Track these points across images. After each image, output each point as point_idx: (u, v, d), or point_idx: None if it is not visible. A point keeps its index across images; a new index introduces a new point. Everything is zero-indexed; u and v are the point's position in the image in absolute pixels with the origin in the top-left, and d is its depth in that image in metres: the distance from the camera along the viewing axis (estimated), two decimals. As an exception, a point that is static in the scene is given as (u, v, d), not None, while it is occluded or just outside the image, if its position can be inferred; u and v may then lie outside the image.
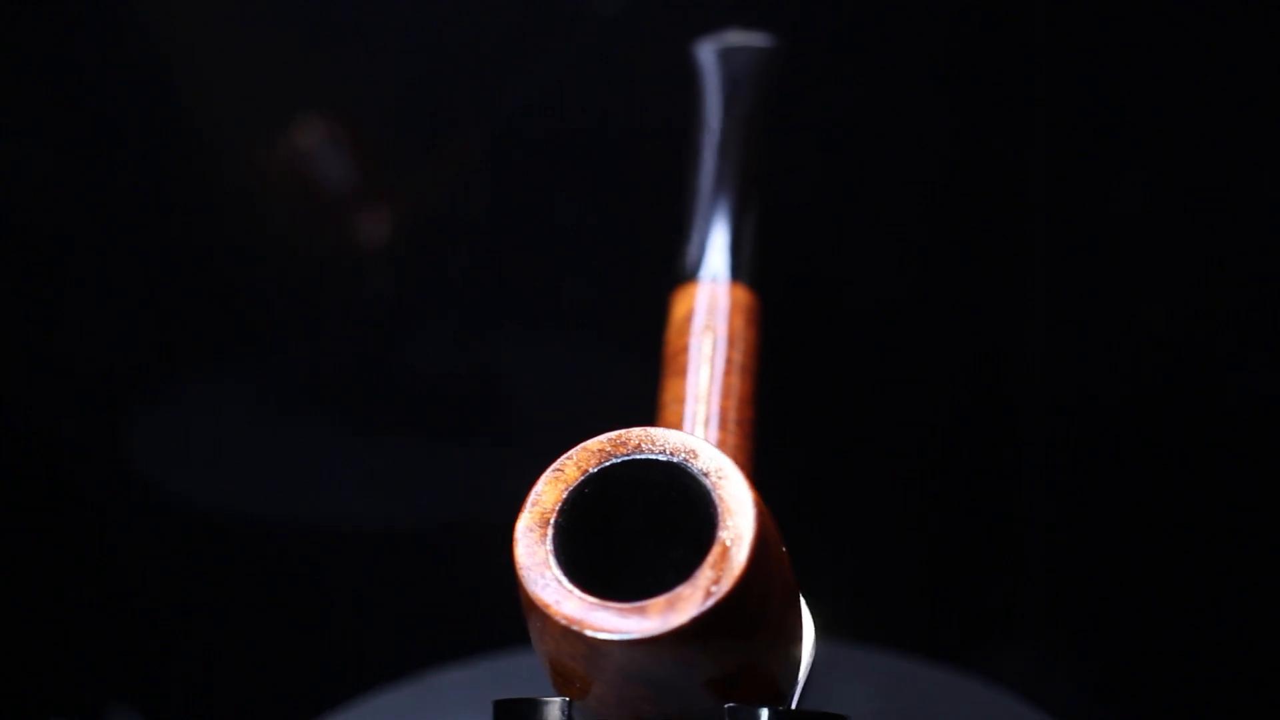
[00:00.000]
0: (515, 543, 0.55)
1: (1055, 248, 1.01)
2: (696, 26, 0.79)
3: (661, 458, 0.56)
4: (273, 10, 1.02)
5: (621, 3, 1.00)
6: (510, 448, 1.07)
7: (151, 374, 1.07)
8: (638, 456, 0.56)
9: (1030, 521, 1.06)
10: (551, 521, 0.55)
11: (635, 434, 0.56)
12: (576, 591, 0.53)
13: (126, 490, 1.07)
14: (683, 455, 0.55)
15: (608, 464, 0.56)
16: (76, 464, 1.07)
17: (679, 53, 0.79)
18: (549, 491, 0.55)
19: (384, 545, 1.08)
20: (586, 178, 1.03)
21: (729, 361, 0.66)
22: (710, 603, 0.52)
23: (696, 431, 0.64)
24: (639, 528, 0.57)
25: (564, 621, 0.52)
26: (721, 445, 0.63)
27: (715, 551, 0.53)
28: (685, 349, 0.67)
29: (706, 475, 0.55)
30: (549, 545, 0.54)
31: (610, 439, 0.56)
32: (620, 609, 0.52)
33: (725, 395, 0.65)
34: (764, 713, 0.54)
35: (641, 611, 0.52)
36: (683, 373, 0.66)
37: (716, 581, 0.52)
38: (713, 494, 0.54)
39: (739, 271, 0.70)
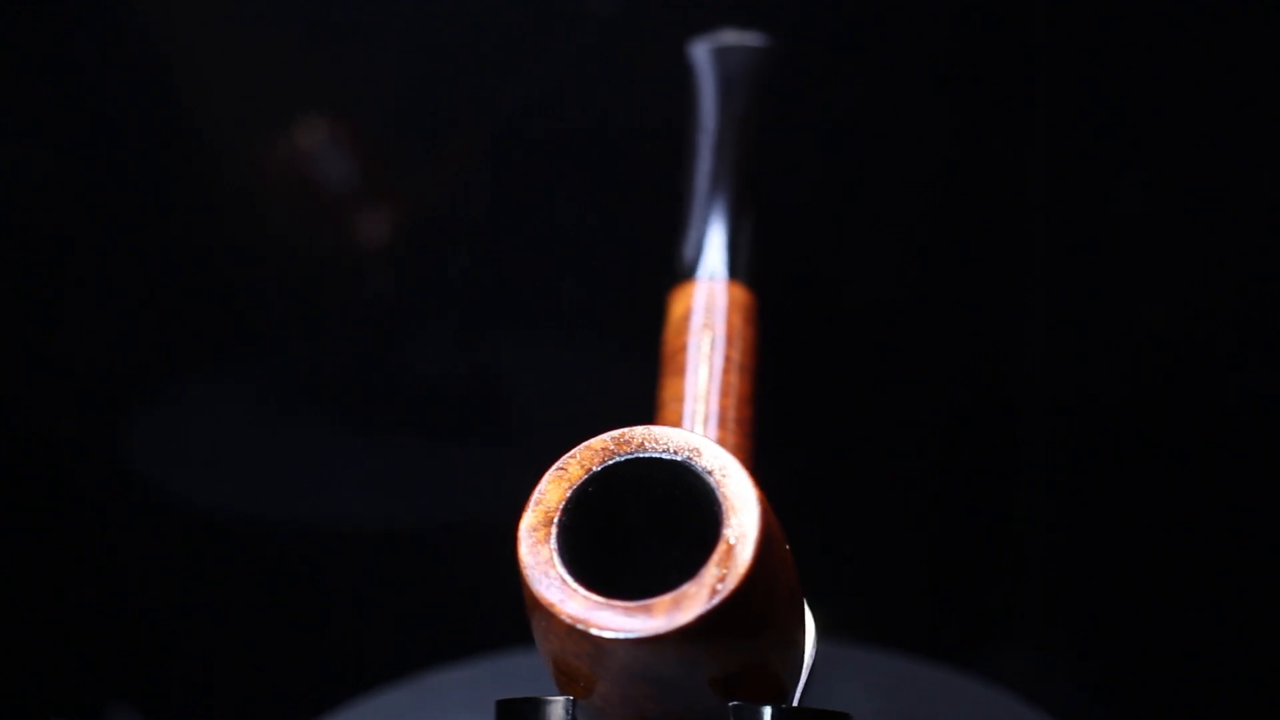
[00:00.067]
0: (519, 542, 0.55)
1: (1055, 248, 1.01)
2: (696, 26, 0.79)
3: (665, 456, 0.56)
4: (273, 10, 1.02)
5: (619, 2, 1.00)
6: (510, 448, 1.07)
7: (151, 374, 1.07)
8: (641, 455, 0.56)
9: (1030, 521, 1.06)
10: (555, 520, 0.55)
11: (638, 432, 0.56)
12: (581, 590, 0.53)
13: (126, 490, 1.07)
14: (686, 453, 0.55)
15: (611, 462, 0.56)
16: (76, 464, 1.07)
17: (678, 53, 0.79)
18: (552, 490, 0.55)
19: (384, 545, 1.08)
20: (586, 178, 1.03)
21: (728, 360, 0.66)
22: (716, 601, 0.52)
23: (695, 430, 0.64)
24: (642, 526, 0.57)
25: (569, 620, 0.52)
26: (721, 444, 0.63)
27: (720, 549, 0.53)
28: (684, 348, 0.67)
29: (710, 473, 0.55)
30: (553, 544, 0.54)
31: (613, 437, 0.56)
32: (625, 608, 0.52)
33: (724, 394, 0.65)
34: (767, 711, 0.54)
35: (647, 610, 0.52)
36: (681, 371, 0.66)
37: (722, 580, 0.52)
38: (717, 492, 0.54)
39: (736, 270, 0.70)
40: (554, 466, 0.56)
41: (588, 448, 0.56)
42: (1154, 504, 1.02)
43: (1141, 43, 0.97)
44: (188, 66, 1.02)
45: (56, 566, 1.08)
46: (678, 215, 0.74)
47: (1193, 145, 0.98)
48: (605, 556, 0.55)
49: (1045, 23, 0.98)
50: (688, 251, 0.71)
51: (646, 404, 0.68)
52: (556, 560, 0.54)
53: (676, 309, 0.69)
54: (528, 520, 0.55)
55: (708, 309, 0.68)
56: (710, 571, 0.52)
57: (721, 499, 0.54)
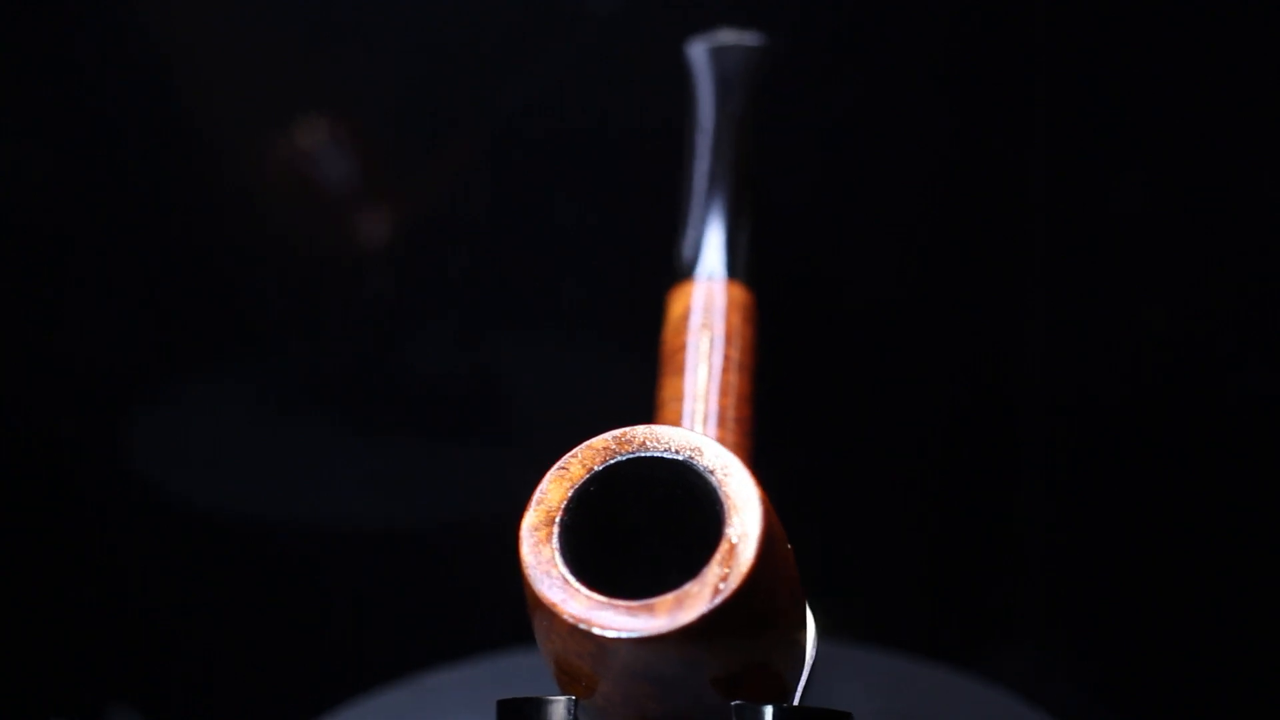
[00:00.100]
0: (521, 541, 0.54)
1: (1055, 248, 1.01)
2: (696, 26, 0.79)
3: (667, 455, 0.56)
4: (273, 10, 1.02)
5: (618, 2, 1.00)
6: (510, 448, 1.07)
7: (151, 374, 1.07)
8: (643, 454, 0.56)
9: (1030, 521, 1.06)
10: (557, 520, 0.55)
11: (640, 432, 0.56)
12: (583, 590, 0.53)
13: (126, 490, 1.07)
14: (688, 452, 0.55)
15: (613, 462, 0.56)
16: (76, 464, 1.07)
17: (678, 53, 0.79)
18: (554, 490, 0.55)
19: (384, 545, 1.08)
20: (586, 178, 1.03)
21: (727, 359, 0.66)
22: (719, 600, 0.52)
23: (695, 429, 0.64)
24: (644, 525, 0.57)
25: (571, 620, 0.52)
26: (720, 443, 0.63)
27: (723, 549, 0.53)
28: (683, 347, 0.67)
29: (712, 472, 0.55)
30: (555, 544, 0.54)
31: (615, 437, 0.56)
32: (628, 607, 0.52)
33: (724, 393, 0.65)
34: (769, 710, 0.54)
35: (649, 609, 0.52)
36: (681, 371, 0.66)
37: (724, 579, 0.52)
38: (719, 491, 0.54)
39: (735, 269, 0.70)
40: (555, 466, 0.56)
41: (589, 447, 0.56)
42: (1154, 504, 1.02)
43: (1141, 43, 0.97)
44: (188, 66, 1.02)
45: (56, 566, 1.08)
46: (677, 215, 0.74)
47: (1193, 145, 0.98)
48: (607, 556, 0.55)
49: (1045, 23, 0.98)
50: (686, 251, 0.71)
51: (646, 404, 0.68)
52: (559, 560, 0.54)
53: (675, 309, 0.69)
54: (529, 520, 0.55)
55: (706, 309, 0.68)
56: (713, 571, 0.52)
57: (723, 498, 0.54)
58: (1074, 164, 1.00)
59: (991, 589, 1.08)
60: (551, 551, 0.54)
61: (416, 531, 1.08)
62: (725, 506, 0.54)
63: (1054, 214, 1.00)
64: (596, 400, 1.01)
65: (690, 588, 0.52)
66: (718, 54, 0.77)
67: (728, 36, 0.78)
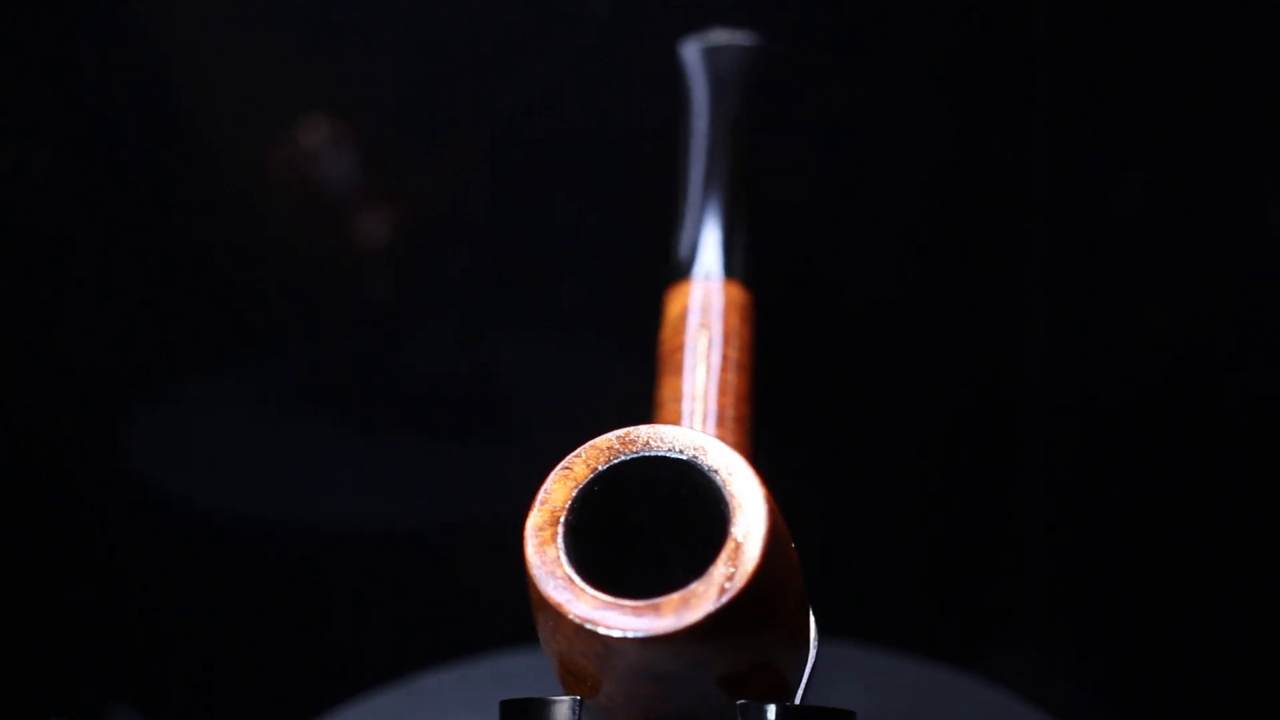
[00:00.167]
0: (525, 542, 0.54)
1: (1055, 248, 1.01)
2: (696, 26, 0.79)
3: (671, 454, 0.56)
4: (273, 10, 1.02)
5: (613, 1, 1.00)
6: (510, 448, 1.07)
7: (151, 374, 1.07)
8: (647, 454, 0.56)
9: (1030, 521, 1.06)
10: (561, 520, 0.55)
11: (643, 431, 0.56)
12: (589, 590, 0.53)
13: (126, 490, 1.07)
14: (692, 452, 0.55)
15: (617, 461, 0.56)
16: (76, 464, 1.07)
17: (678, 53, 0.79)
18: (558, 489, 0.55)
19: (384, 545, 1.08)
20: (586, 178, 1.03)
21: (725, 359, 0.66)
22: (725, 599, 0.52)
23: (695, 429, 0.64)
24: (649, 525, 0.57)
25: (577, 620, 0.52)
26: (719, 442, 0.63)
27: (728, 548, 0.53)
28: (681, 347, 0.67)
29: (717, 471, 0.55)
30: (559, 544, 0.54)
31: (618, 436, 0.56)
32: (634, 607, 0.52)
33: (722, 392, 0.65)
34: (771, 709, 0.54)
35: (655, 609, 0.52)
36: (679, 371, 0.66)
37: (730, 578, 0.52)
38: (724, 490, 0.54)
39: (732, 269, 0.70)
40: (559, 466, 0.56)
41: (593, 447, 0.56)
42: (1154, 504, 1.02)
43: (1141, 43, 0.97)
44: (188, 66, 1.02)
45: (56, 566, 1.08)
46: (672, 215, 0.74)
47: (1193, 145, 0.98)
48: (611, 555, 0.55)
49: (1045, 23, 0.98)
50: (683, 251, 0.71)
51: (646, 404, 0.68)
52: (564, 560, 0.54)
53: (673, 309, 0.69)
54: (534, 520, 0.55)
55: (704, 308, 0.68)
56: (718, 570, 0.52)
57: (728, 497, 0.54)
58: (1074, 164, 1.00)
59: (991, 589, 1.08)
60: (556, 551, 0.54)
61: (416, 531, 1.08)
62: (730, 505, 0.54)
63: (1054, 214, 1.01)
64: (596, 400, 1.00)
65: (696, 587, 0.52)
66: (711, 54, 0.77)
67: (721, 36, 0.78)
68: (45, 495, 1.08)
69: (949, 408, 1.06)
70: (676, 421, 0.64)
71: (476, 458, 1.08)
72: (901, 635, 0.97)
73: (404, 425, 1.08)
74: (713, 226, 0.71)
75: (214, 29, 1.02)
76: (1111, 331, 1.02)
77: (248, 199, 1.04)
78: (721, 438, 0.63)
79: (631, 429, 0.56)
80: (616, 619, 0.52)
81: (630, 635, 0.51)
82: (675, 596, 0.52)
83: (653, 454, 0.56)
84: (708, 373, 0.66)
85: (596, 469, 0.56)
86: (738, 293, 0.69)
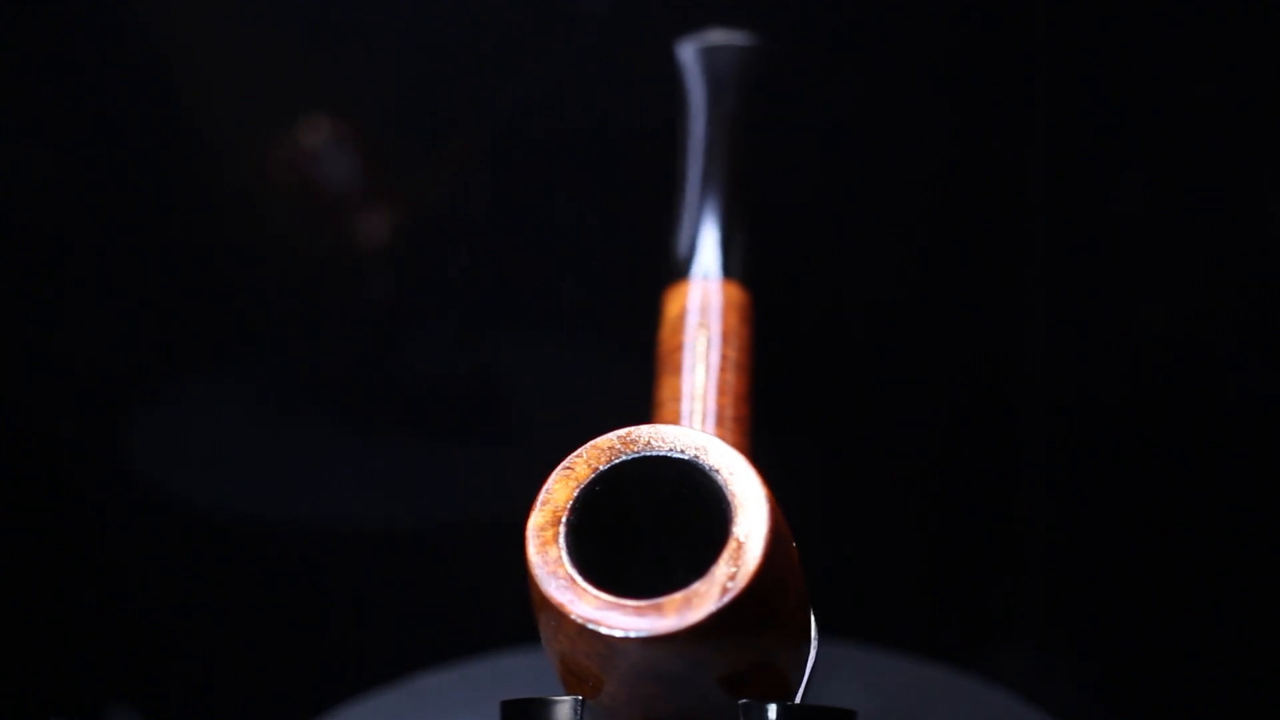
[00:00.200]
0: (527, 542, 0.54)
1: (1055, 248, 1.01)
2: (696, 26, 0.79)
3: (673, 454, 0.56)
4: (273, 10, 1.02)
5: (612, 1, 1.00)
6: (510, 448, 1.07)
7: (151, 374, 1.07)
8: (649, 454, 0.56)
9: (1030, 521, 1.06)
10: (563, 520, 0.55)
11: (644, 431, 0.56)
12: (591, 590, 0.53)
13: (126, 490, 1.07)
14: (694, 452, 0.56)
15: (618, 461, 0.56)
16: (76, 464, 1.07)
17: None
18: (560, 490, 0.55)
19: (384, 545, 1.08)
20: (586, 178, 1.03)
21: (724, 359, 0.66)
22: (727, 599, 0.52)
23: (694, 429, 0.64)
24: (650, 525, 0.57)
25: (580, 620, 0.52)
26: (720, 442, 0.63)
27: (730, 547, 0.53)
28: (680, 347, 0.67)
29: (718, 471, 0.55)
30: (561, 544, 0.54)
31: (619, 436, 0.56)
32: (636, 607, 0.52)
33: (721, 392, 0.65)
34: (773, 708, 0.54)
35: (658, 609, 0.52)
36: (678, 371, 0.66)
37: (732, 577, 0.52)
38: (725, 490, 0.54)
39: (730, 269, 0.70)
40: (561, 466, 0.56)
41: (594, 447, 0.56)
42: (1154, 504, 1.02)
43: (1141, 43, 0.97)
44: (188, 66, 1.02)
45: (56, 566, 1.08)
46: (671, 215, 0.74)
47: (1193, 145, 0.98)
48: (613, 555, 0.55)
49: (1045, 23, 0.98)
50: (681, 251, 0.71)
51: (646, 403, 0.68)
52: (566, 560, 0.54)
53: (671, 309, 0.69)
54: (535, 520, 0.55)
55: (703, 308, 0.68)
56: (721, 569, 0.52)
57: (730, 497, 0.54)
58: (1074, 164, 1.00)
59: (991, 589, 1.08)
60: (558, 552, 0.54)
61: (416, 531, 1.08)
62: (732, 505, 0.54)
63: (1054, 214, 1.00)
64: (596, 400, 1.00)
65: (698, 587, 0.52)
66: (708, 54, 0.77)
67: (717, 36, 0.78)
68: (45, 495, 1.08)
69: (949, 408, 1.06)
70: (675, 421, 0.64)
71: (476, 458, 1.08)
72: (901, 635, 0.97)
73: (404, 425, 1.08)
74: (711, 227, 0.71)
75: (214, 29, 1.02)
76: (1111, 331, 1.02)
77: (248, 199, 1.04)
78: (720, 437, 0.63)
79: (632, 429, 0.56)
80: (619, 619, 0.52)
81: (633, 635, 0.51)
82: (678, 596, 0.52)
83: (654, 454, 0.56)
84: (706, 372, 0.66)
85: (598, 469, 0.56)
86: (736, 292, 0.69)
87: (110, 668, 1.10)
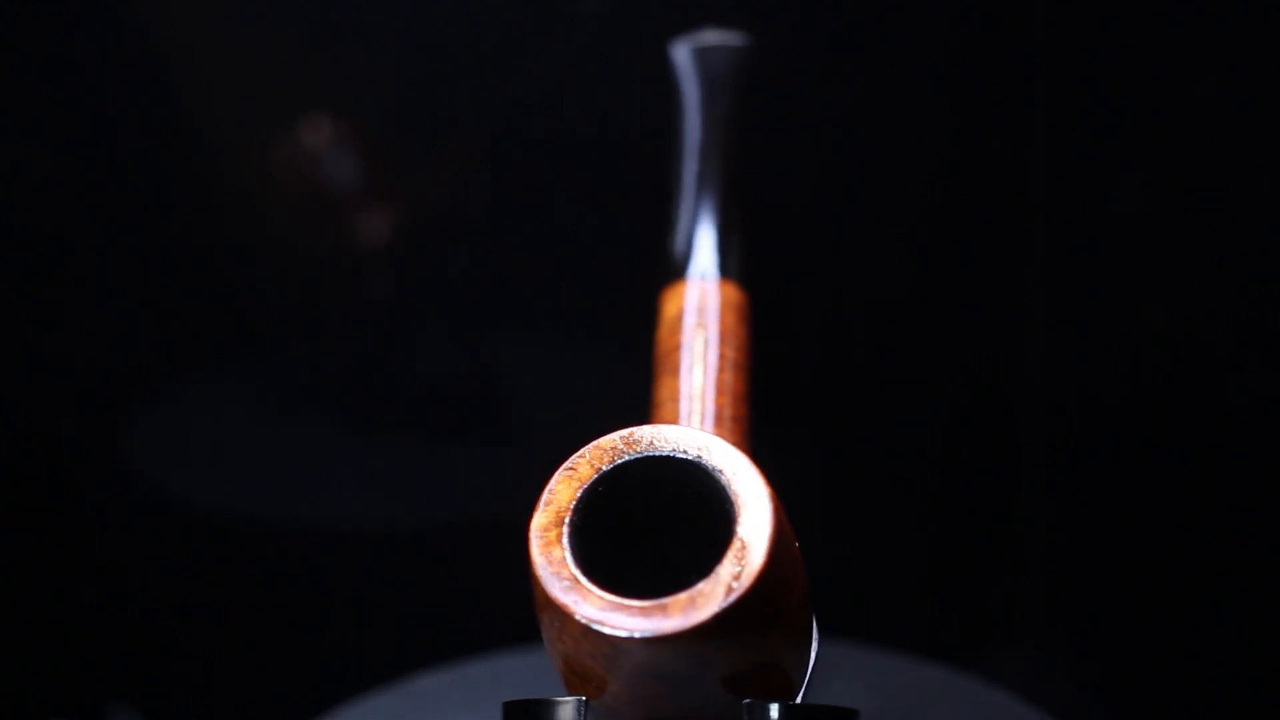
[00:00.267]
0: (531, 542, 0.54)
1: (1055, 248, 1.01)
2: (696, 27, 0.79)
3: (676, 454, 0.56)
4: (273, 10, 1.02)
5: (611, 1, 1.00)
6: (510, 448, 1.07)
7: (151, 374, 1.07)
8: (652, 454, 0.56)
9: (1030, 521, 1.06)
10: (566, 520, 0.55)
11: (647, 432, 0.56)
12: (595, 590, 0.53)
13: (126, 490, 1.07)
14: (696, 452, 0.56)
15: (621, 461, 0.56)
16: (76, 464, 1.07)
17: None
18: (563, 490, 0.55)
19: (384, 545, 1.08)
20: (585, 178, 1.03)
21: (722, 359, 0.66)
22: (732, 599, 0.52)
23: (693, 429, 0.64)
24: (653, 525, 0.57)
25: (584, 621, 0.52)
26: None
27: (734, 547, 0.53)
28: (678, 347, 0.67)
29: (721, 471, 0.55)
30: (565, 544, 0.54)
31: (622, 437, 0.56)
32: (641, 607, 0.52)
33: (720, 392, 0.65)
34: (775, 708, 0.54)
35: (663, 609, 0.52)
36: (676, 371, 0.66)
37: (737, 577, 0.52)
38: (729, 490, 0.54)
39: (727, 269, 0.70)
40: (563, 466, 0.56)
41: (597, 447, 0.56)
42: (1154, 504, 1.02)
43: (1141, 43, 0.97)
44: (188, 66, 1.02)
45: (56, 566, 1.08)
46: (668, 215, 0.74)
47: (1193, 145, 0.98)
48: (616, 556, 0.55)
49: (1045, 23, 0.98)
50: (678, 252, 0.71)
51: (646, 404, 0.68)
52: (569, 561, 0.54)
53: (669, 309, 0.69)
54: (539, 520, 0.55)
55: (700, 309, 0.68)
56: (725, 569, 0.52)
57: (733, 496, 0.54)
58: (1074, 164, 1.00)
59: (991, 589, 1.08)
60: (562, 552, 0.54)
61: (416, 531, 1.08)
62: (735, 505, 0.54)
63: (1054, 214, 1.01)
64: (596, 400, 1.00)
65: (703, 587, 0.52)
66: (702, 54, 0.77)
67: (711, 37, 0.78)
68: (45, 495, 1.08)
69: (949, 408, 1.06)
70: (674, 421, 0.64)
71: (476, 458, 1.08)
72: (901, 635, 0.97)
73: (404, 425, 1.08)
74: (707, 227, 0.71)
75: (214, 29, 1.02)
76: (1111, 331, 1.02)
77: (248, 199, 1.04)
78: (719, 437, 0.63)
79: (635, 429, 0.56)
80: (623, 619, 0.52)
81: (637, 635, 0.52)
82: (682, 596, 0.52)
83: (657, 454, 0.56)
84: (705, 373, 0.66)
85: (601, 469, 0.56)
86: (733, 292, 0.69)
87: (110, 668, 1.10)
